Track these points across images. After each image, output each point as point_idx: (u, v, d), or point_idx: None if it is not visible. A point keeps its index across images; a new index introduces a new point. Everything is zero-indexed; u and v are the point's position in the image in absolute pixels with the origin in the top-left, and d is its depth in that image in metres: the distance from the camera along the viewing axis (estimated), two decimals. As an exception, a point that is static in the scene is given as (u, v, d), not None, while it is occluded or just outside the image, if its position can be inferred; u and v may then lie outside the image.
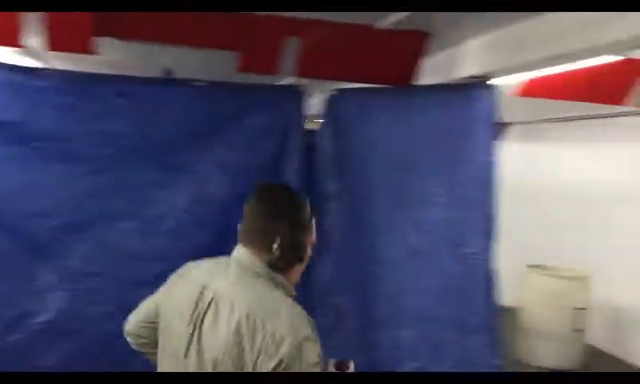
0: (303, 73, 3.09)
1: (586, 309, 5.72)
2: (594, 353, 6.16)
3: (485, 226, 3.15)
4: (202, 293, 1.69)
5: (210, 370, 1.59)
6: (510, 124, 8.04)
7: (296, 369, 1.52)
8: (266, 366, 1.52)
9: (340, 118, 3.10)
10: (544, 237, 7.35)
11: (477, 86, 3.21)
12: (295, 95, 3.02)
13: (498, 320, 3.16)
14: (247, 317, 1.57)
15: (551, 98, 4.56)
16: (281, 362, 1.51)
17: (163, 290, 1.89)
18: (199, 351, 1.63)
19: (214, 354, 1.59)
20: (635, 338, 5.97)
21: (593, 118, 6.37)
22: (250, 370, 1.54)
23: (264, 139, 2.95)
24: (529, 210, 7.82)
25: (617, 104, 4.22)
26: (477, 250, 3.14)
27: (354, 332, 3.09)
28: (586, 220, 6.78)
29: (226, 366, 1.56)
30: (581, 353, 5.77)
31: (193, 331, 1.65)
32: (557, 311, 5.70)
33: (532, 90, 4.25)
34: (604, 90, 4.15)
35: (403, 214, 3.12)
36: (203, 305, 1.67)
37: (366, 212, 3.13)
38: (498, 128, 3.30)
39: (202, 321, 1.65)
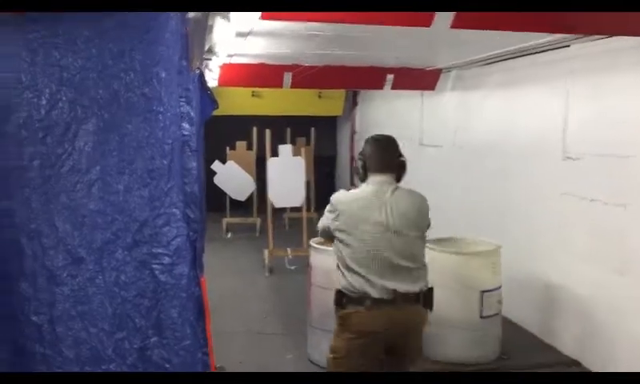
0: None
1: (496, 290, 4.62)
2: (525, 339, 5.12)
3: (181, 216, 2.14)
4: None
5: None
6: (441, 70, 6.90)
7: None
8: None
9: None
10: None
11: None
12: None
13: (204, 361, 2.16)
14: None
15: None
16: None
17: None
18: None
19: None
20: (566, 321, 4.86)
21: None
22: None
23: None
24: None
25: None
26: (168, 253, 2.13)
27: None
28: (508, 181, 5.69)
29: None
30: (494, 342, 4.69)
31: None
32: (459, 295, 4.62)
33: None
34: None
35: (54, 197, 2.11)
36: None
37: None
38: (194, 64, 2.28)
39: None
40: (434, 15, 2.45)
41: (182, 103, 2.15)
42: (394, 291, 2.93)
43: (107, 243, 2.11)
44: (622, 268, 4.15)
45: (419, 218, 3.06)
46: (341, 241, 3.03)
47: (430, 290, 3.10)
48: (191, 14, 2.18)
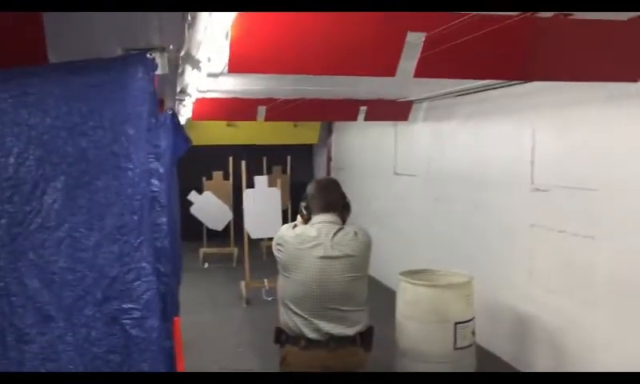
0: None
1: (469, 321, 4.68)
2: (500, 369, 5.17)
3: (151, 270, 2.16)
4: None
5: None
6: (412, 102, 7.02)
7: None
8: None
9: None
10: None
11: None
12: None
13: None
14: None
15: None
16: None
17: None
18: None
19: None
20: (539, 352, 4.93)
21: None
22: None
23: None
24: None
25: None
26: (138, 307, 2.14)
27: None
28: (479, 211, 5.78)
29: None
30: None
31: None
32: (434, 327, 4.67)
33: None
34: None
35: (22, 255, 2.11)
36: None
37: None
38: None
39: None
40: (397, 66, 2.53)
41: (150, 159, 2.18)
42: (328, 333, 2.90)
43: (77, 300, 2.11)
44: (592, 300, 4.23)
45: (361, 260, 3.01)
46: (283, 277, 3.04)
47: (369, 329, 3.04)
48: (160, 72, 2.22)
